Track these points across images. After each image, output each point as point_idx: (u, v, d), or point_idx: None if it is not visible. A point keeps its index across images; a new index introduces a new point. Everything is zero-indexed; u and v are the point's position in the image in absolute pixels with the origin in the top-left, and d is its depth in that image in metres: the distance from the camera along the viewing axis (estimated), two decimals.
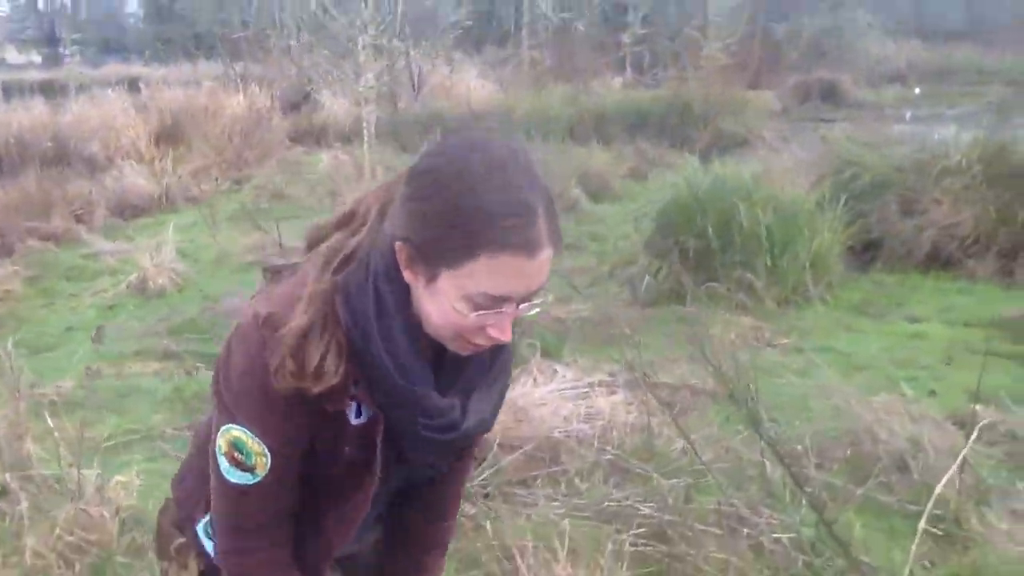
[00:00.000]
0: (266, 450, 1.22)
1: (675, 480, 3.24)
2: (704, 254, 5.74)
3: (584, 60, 13.02)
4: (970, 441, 3.28)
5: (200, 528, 1.42)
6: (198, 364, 4.70)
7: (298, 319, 1.18)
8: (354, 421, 1.26)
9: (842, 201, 6.27)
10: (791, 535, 2.95)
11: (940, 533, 3.15)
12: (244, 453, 1.23)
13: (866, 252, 6.58)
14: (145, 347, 5.04)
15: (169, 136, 11.70)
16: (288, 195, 9.24)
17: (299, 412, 1.21)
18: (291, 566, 1.34)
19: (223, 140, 11.39)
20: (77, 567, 2.93)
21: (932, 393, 4.37)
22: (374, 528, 1.50)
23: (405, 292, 1.20)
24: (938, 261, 6.39)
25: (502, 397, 1.42)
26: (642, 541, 2.92)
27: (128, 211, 8.81)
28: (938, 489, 2.21)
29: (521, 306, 1.17)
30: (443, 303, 1.15)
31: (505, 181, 1.10)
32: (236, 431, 1.23)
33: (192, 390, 4.40)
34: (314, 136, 13.56)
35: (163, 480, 3.45)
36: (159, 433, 3.95)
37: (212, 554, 1.39)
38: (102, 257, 6.98)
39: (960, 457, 3.28)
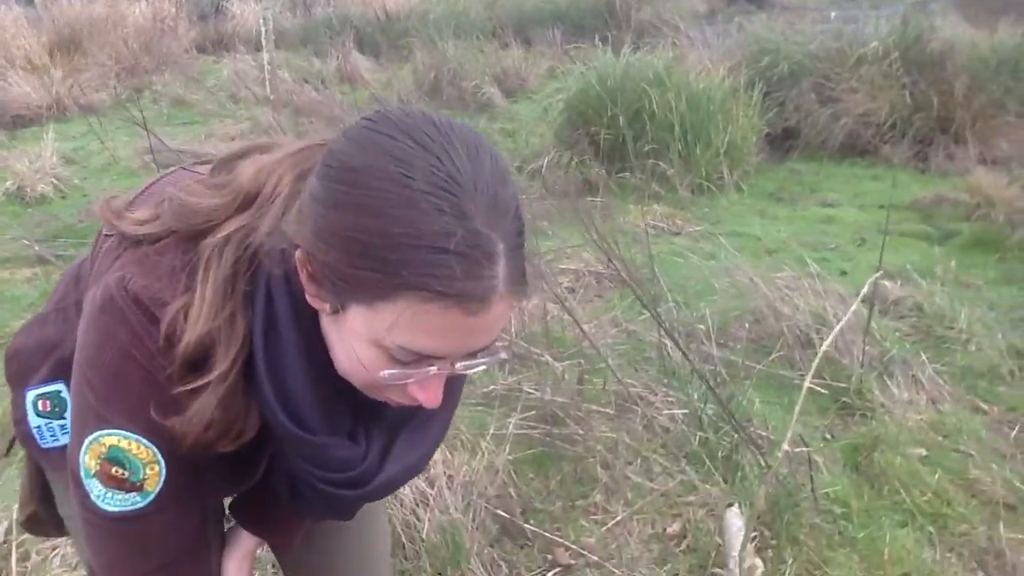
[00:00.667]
0: (158, 455, 0.92)
1: (568, 362, 3.07)
2: (616, 144, 5.53)
3: None
4: (872, 311, 3.17)
5: (29, 398, 1.10)
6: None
7: (193, 331, 0.88)
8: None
9: (758, 89, 6.11)
10: (684, 411, 2.81)
11: (841, 404, 3.06)
12: (127, 465, 0.92)
13: (783, 141, 6.45)
14: (17, 254, 4.67)
15: (65, 46, 10.98)
16: (189, 101, 8.75)
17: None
18: None
19: (122, 49, 10.73)
20: None
21: (843, 273, 4.27)
22: None
23: (308, 316, 0.90)
24: (854, 149, 6.32)
25: (445, 429, 1.12)
26: (530, 424, 2.75)
27: (13, 121, 8.23)
28: (821, 350, 2.05)
29: (458, 364, 0.87)
30: (349, 345, 0.86)
31: (455, 202, 0.78)
32: (111, 436, 0.91)
33: None
34: (223, 45, 12.88)
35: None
36: None
37: (39, 440, 1.10)
38: None
39: (863, 327, 3.18)
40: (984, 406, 3.09)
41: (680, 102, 5.50)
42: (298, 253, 0.85)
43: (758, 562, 2.19)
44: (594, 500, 2.53)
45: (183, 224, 0.93)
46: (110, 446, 0.91)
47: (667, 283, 3.62)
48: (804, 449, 2.47)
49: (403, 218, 0.77)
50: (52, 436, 1.10)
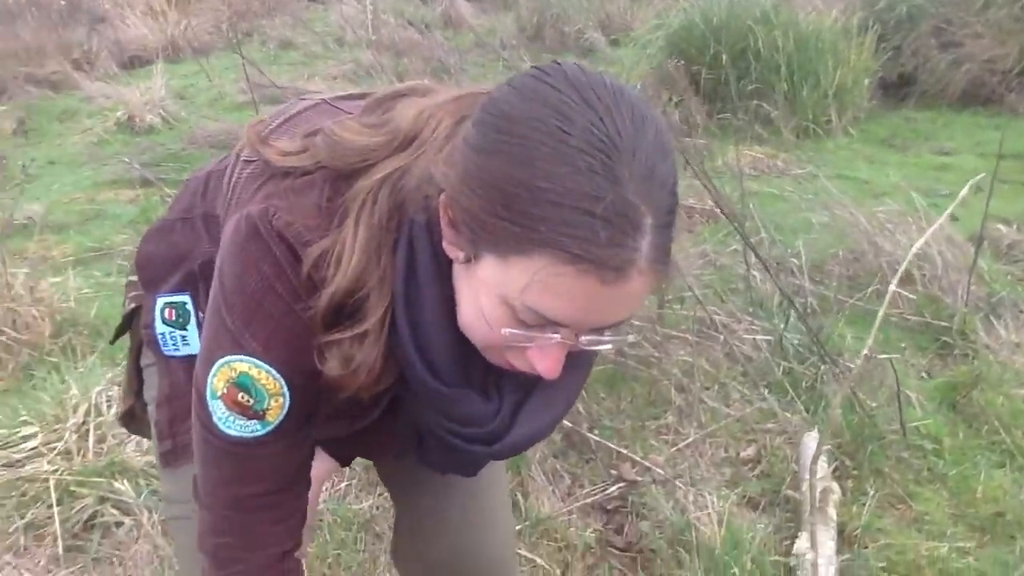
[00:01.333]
0: (285, 388, 0.91)
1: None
2: (717, 84, 5.31)
3: None
4: (979, 249, 2.96)
5: (159, 304, 1.11)
6: (174, 192, 4.49)
7: (343, 276, 0.87)
8: None
9: (872, 31, 5.77)
10: (769, 338, 2.68)
11: (941, 344, 2.88)
12: (253, 394, 0.91)
13: (898, 88, 6.10)
14: (121, 177, 4.84)
15: None
16: (295, 44, 8.88)
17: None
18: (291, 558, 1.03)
19: None
20: (10, 366, 2.79)
21: (954, 219, 4.01)
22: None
23: (445, 266, 0.88)
24: (977, 98, 5.90)
25: (576, 395, 1.05)
26: None
27: (130, 60, 8.52)
28: (906, 261, 1.91)
29: (583, 338, 0.83)
30: (476, 298, 0.83)
31: (609, 165, 0.74)
32: (243, 363, 0.90)
33: (160, 213, 4.20)
34: None
35: (114, 293, 3.36)
36: (119, 252, 3.76)
37: (162, 346, 1.12)
38: (96, 101, 6.72)
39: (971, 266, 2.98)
40: None
41: (787, 42, 5.23)
42: (442, 197, 0.82)
43: (834, 486, 2.08)
44: (666, 422, 2.45)
45: (336, 161, 0.90)
46: (241, 372, 0.91)
47: (761, 218, 3.47)
48: (884, 356, 2.33)
49: (553, 173, 0.74)
50: (174, 345, 1.11)
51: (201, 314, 1.08)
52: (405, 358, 0.91)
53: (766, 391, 2.52)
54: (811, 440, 2.19)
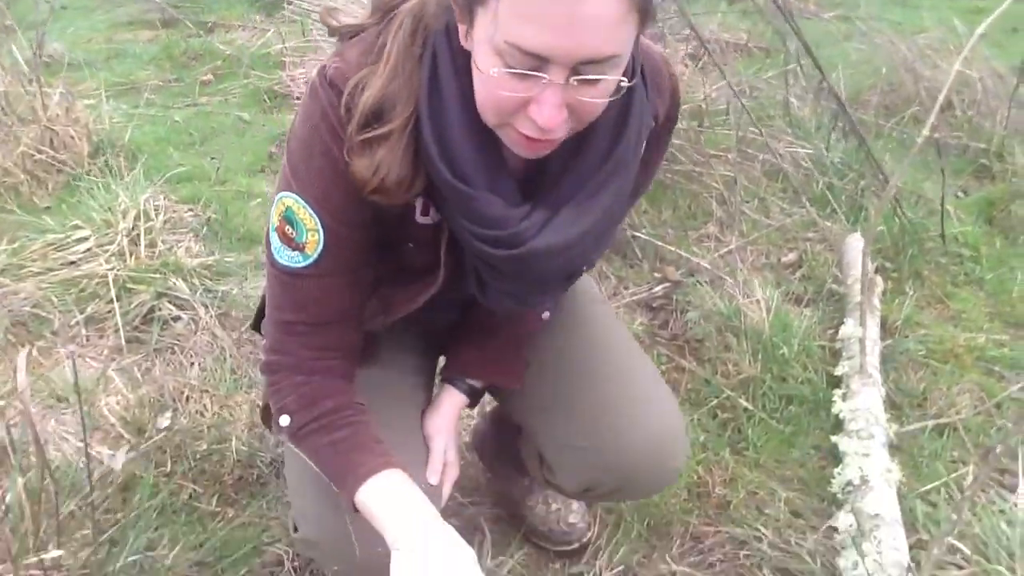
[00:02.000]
0: (319, 225, 1.01)
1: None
2: None
3: None
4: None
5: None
6: (198, 32, 4.42)
7: (373, 89, 0.95)
8: (420, 219, 1.06)
9: None
10: (810, 151, 2.68)
11: (979, 166, 2.88)
12: (295, 226, 1.03)
13: None
14: (137, 19, 4.75)
15: None
16: None
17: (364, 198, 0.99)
18: (337, 396, 1.10)
19: None
20: (49, 185, 2.81)
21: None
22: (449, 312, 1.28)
23: (465, 63, 0.92)
24: None
25: (613, 218, 1.07)
26: None
27: None
28: (942, 95, 1.89)
29: (573, 79, 0.84)
30: (479, 62, 0.87)
31: None
32: (289, 199, 1.02)
33: (182, 48, 4.15)
34: None
35: (145, 123, 3.35)
36: (145, 86, 3.73)
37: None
38: None
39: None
40: None
41: None
42: None
43: (878, 279, 2.12)
44: (707, 231, 2.48)
45: (376, 1, 1.01)
46: (287, 207, 1.03)
47: (797, 48, 3.41)
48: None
49: None
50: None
51: None
52: (428, 157, 0.95)
53: (808, 203, 2.53)
54: (855, 241, 2.22)
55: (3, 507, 1.27)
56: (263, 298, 1.24)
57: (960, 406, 1.87)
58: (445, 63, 0.94)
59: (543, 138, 0.90)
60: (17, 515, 1.24)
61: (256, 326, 1.35)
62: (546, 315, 1.28)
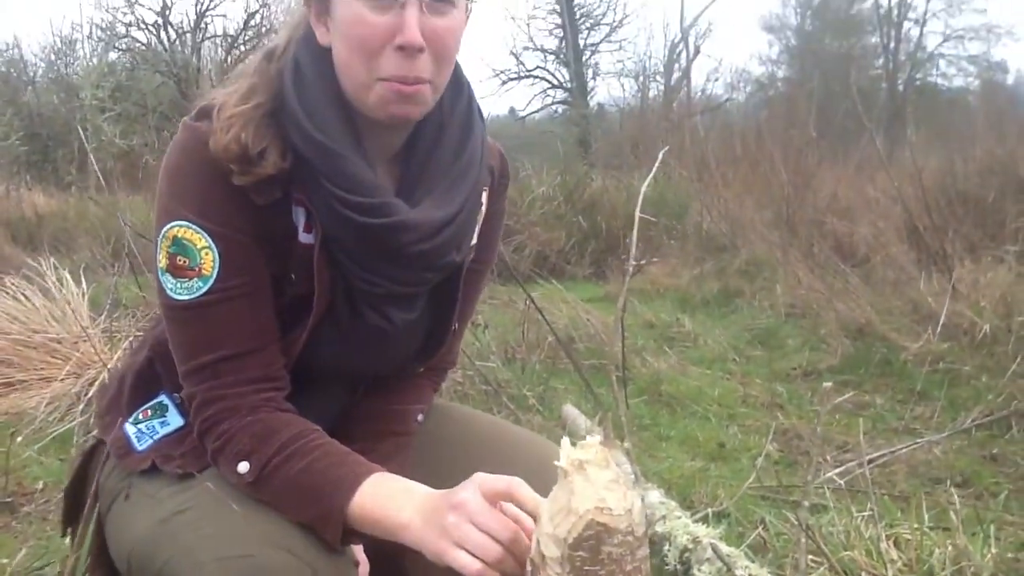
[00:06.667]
0: (210, 240, 1.04)
1: None
2: None
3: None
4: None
5: (128, 424, 1.19)
6: None
7: (232, 96, 1.08)
8: (303, 238, 1.10)
9: None
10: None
11: None
12: (186, 251, 1.04)
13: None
14: None
15: None
16: None
17: (241, 196, 1.06)
18: (292, 425, 1.06)
19: None
20: None
21: None
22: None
23: (325, 57, 1.08)
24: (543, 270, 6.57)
25: (471, 215, 1.18)
26: None
27: None
28: None
29: (424, 2, 1.03)
30: (342, 16, 1.04)
31: None
32: (173, 227, 1.05)
33: None
34: None
35: None
36: None
37: (138, 447, 1.17)
38: None
39: None
40: None
41: None
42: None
43: None
44: None
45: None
46: (173, 237, 1.04)
47: None
48: None
49: None
50: (150, 433, 1.17)
51: (178, 396, 1.16)
52: (295, 121, 1.05)
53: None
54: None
55: None
56: (72, 486, 1.27)
57: None
58: (307, 60, 1.08)
59: (408, 74, 1.03)
60: None
61: (68, 522, 1.30)
62: (420, 417, 1.29)
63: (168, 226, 1.05)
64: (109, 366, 3.08)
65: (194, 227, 1.04)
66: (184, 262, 1.04)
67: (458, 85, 1.16)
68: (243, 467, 1.02)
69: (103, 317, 3.72)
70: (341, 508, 0.98)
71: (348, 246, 1.09)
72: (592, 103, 23.42)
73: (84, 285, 3.88)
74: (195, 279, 1.04)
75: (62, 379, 3.14)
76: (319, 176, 1.06)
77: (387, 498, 0.98)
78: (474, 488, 0.93)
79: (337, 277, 1.12)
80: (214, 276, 1.04)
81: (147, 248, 4.98)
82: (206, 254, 1.04)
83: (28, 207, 9.41)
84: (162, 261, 1.06)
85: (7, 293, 3.70)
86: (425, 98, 1.07)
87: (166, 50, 17.44)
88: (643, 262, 5.13)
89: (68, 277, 3.85)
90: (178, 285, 1.05)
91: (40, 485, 2.56)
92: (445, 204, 1.12)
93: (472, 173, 1.16)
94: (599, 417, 2.71)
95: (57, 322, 3.55)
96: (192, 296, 1.05)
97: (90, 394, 3.03)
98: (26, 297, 3.67)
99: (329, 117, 1.06)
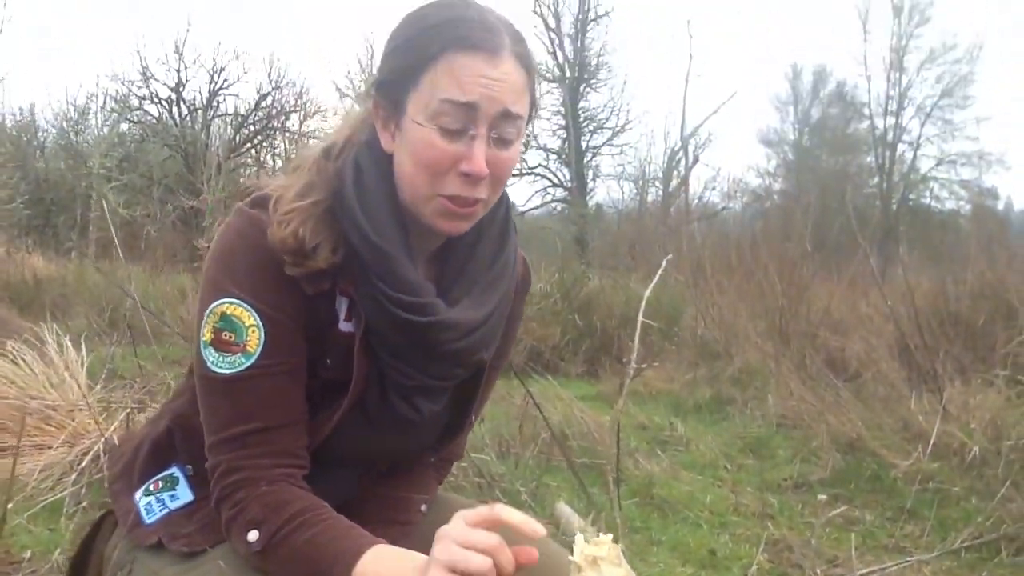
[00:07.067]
0: (258, 319, 1.09)
1: None
2: None
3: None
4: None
5: (139, 493, 1.24)
6: None
7: (290, 190, 1.13)
8: (343, 326, 1.15)
9: None
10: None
11: None
12: (234, 328, 1.09)
13: None
14: None
15: None
16: None
17: (291, 284, 1.11)
18: (304, 499, 1.09)
19: None
20: None
21: None
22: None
23: (386, 162, 1.14)
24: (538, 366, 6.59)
25: (501, 318, 1.23)
26: None
27: None
28: None
29: (493, 133, 1.09)
30: (413, 137, 1.09)
31: (464, 4, 1.11)
32: (223, 304, 1.09)
33: None
34: None
35: None
36: None
37: (147, 520, 1.21)
38: None
39: None
40: None
41: None
42: (372, 102, 1.15)
43: None
44: None
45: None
46: (221, 313, 1.09)
47: None
48: None
49: (428, 14, 1.10)
50: (160, 506, 1.22)
51: (190, 468, 1.23)
52: (352, 221, 1.11)
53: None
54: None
55: None
56: (77, 556, 1.31)
57: None
58: (368, 163, 1.13)
59: (469, 196, 1.09)
60: None
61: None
62: (424, 508, 1.31)
63: (218, 302, 1.10)
64: (105, 437, 3.08)
65: (245, 305, 1.09)
66: (230, 337, 1.09)
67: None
68: (252, 536, 1.05)
69: (99, 387, 3.74)
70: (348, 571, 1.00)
71: (388, 339, 1.14)
72: (591, 203, 23.86)
73: (84, 352, 3.90)
74: (239, 355, 1.09)
75: (56, 447, 3.14)
76: (369, 273, 1.11)
77: (391, 560, 1.01)
78: (457, 519, 0.97)
79: (372, 366, 1.16)
80: (257, 354, 1.09)
81: (145, 317, 5.10)
82: (253, 332, 1.09)
83: (28, 271, 9.50)
84: (207, 335, 1.10)
85: (7, 357, 3.73)
86: (477, 217, 1.15)
87: (177, 125, 17.78)
88: (644, 366, 5.20)
89: (69, 344, 3.88)
90: (220, 359, 1.09)
91: (28, 554, 2.54)
92: (480, 305, 1.18)
93: (506, 278, 1.22)
94: (592, 517, 2.72)
95: (55, 389, 3.57)
96: (233, 370, 1.09)
97: (83, 464, 3.03)
98: (25, 362, 3.70)
99: (386, 221, 1.12)
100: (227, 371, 1.09)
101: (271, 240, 1.09)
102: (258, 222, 1.12)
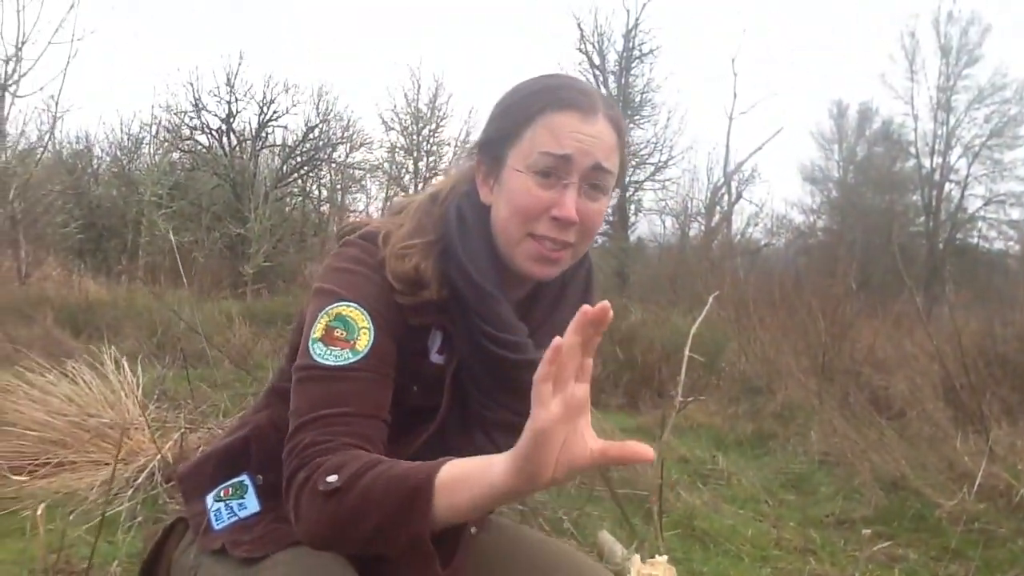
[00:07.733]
0: (371, 324, 1.17)
1: None
2: None
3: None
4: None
5: (210, 497, 1.33)
6: None
7: (401, 229, 1.24)
8: (434, 358, 1.24)
9: None
10: None
11: None
12: (347, 327, 1.17)
13: None
14: None
15: None
16: None
17: (399, 311, 1.20)
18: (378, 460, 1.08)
19: None
20: None
21: None
22: None
23: (484, 213, 1.24)
24: None
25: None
26: None
27: None
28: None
29: (585, 186, 1.19)
30: (511, 185, 1.19)
31: (563, 76, 1.26)
32: (341, 307, 1.18)
33: None
34: None
35: None
36: None
37: (215, 526, 1.29)
38: None
39: None
40: None
41: None
42: (475, 159, 1.27)
43: None
44: None
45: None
46: (336, 314, 1.17)
47: None
48: None
49: (531, 82, 1.23)
50: (229, 514, 1.30)
51: (260, 478, 1.31)
52: (458, 264, 1.21)
53: None
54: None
55: None
56: (148, 562, 1.39)
57: None
58: (469, 211, 1.24)
59: (558, 238, 1.19)
60: None
61: None
62: (473, 530, 1.32)
63: (336, 304, 1.18)
64: (160, 455, 3.18)
65: (361, 310, 1.17)
66: (342, 334, 1.16)
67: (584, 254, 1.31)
68: (332, 478, 1.06)
69: (152, 406, 3.86)
70: (430, 477, 1.00)
71: (476, 373, 1.23)
72: (632, 237, 23.87)
73: (140, 373, 4.02)
74: (347, 350, 1.15)
75: (111, 464, 3.25)
76: (470, 312, 1.21)
77: (473, 460, 1.02)
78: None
79: (457, 399, 1.25)
80: (364, 353, 1.15)
81: (194, 340, 5.24)
82: (364, 333, 1.16)
83: (81, 294, 9.75)
84: (318, 332, 1.17)
85: (67, 377, 3.86)
86: (564, 264, 1.24)
87: (226, 155, 18.14)
88: (690, 399, 5.22)
89: (126, 364, 4.01)
90: (328, 352, 1.15)
91: (85, 565, 2.62)
92: (554, 330, 1.22)
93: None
94: (635, 546, 2.75)
95: (111, 407, 3.69)
96: (338, 363, 1.15)
97: (139, 480, 3.13)
98: (84, 381, 3.83)
99: (486, 265, 1.21)
100: (332, 363, 1.15)
101: (388, 270, 1.20)
102: (373, 252, 1.22)
